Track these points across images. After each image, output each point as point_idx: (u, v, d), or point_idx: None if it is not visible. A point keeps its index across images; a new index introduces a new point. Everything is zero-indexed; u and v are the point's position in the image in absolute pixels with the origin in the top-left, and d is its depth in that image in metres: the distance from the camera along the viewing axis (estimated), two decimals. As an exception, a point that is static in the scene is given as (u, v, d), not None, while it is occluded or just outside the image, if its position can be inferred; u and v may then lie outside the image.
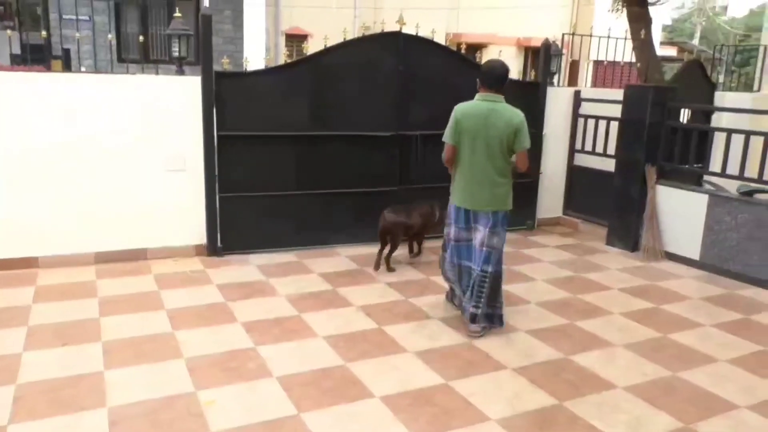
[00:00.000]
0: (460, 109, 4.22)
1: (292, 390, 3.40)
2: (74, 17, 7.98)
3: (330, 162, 6.02)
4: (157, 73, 5.87)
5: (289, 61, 5.87)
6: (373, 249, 6.08)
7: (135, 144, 5.36)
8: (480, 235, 4.17)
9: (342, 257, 5.86)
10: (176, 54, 5.47)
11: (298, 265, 5.57)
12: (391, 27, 6.10)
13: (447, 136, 4.27)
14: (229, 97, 5.54)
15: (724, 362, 3.91)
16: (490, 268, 4.13)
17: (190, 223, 5.66)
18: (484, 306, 4.15)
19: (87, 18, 8.66)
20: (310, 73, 5.82)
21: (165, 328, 4.15)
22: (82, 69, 7.46)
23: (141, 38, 6.54)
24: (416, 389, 3.44)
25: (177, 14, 5.51)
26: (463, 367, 3.72)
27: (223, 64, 5.55)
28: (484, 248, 4.13)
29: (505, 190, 4.19)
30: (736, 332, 4.37)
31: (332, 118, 5.97)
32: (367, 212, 6.23)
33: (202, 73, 5.36)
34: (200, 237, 5.74)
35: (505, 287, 5.10)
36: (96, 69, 7.24)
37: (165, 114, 5.41)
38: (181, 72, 5.52)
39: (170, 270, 5.32)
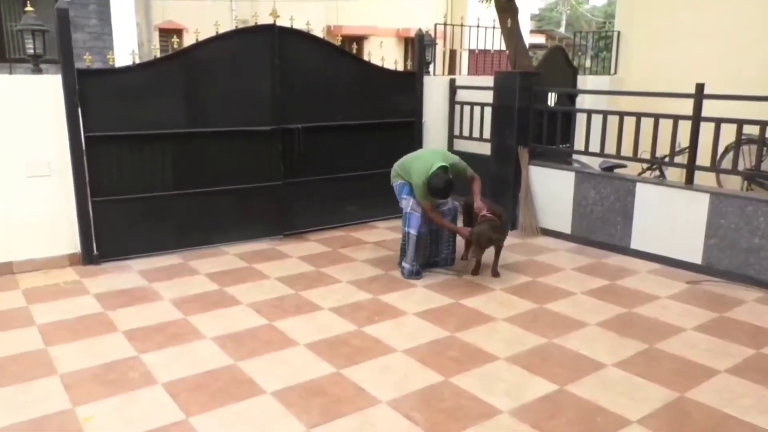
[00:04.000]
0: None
1: (178, 396, 3.29)
2: None
3: (210, 159, 5.85)
4: (11, 72, 5.43)
5: (159, 56, 5.63)
6: (260, 245, 6.02)
7: (-11, 150, 4.94)
8: None
9: (229, 256, 5.73)
10: (31, 51, 5.08)
11: (183, 267, 5.39)
12: (267, 20, 6.00)
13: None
14: (95, 96, 5.23)
15: (593, 326, 4.23)
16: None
17: (61, 231, 5.31)
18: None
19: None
20: (183, 69, 5.62)
21: (36, 345, 3.88)
22: None
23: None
24: (307, 381, 3.45)
25: (28, 8, 5.12)
26: (354, 354, 3.77)
27: (86, 60, 5.23)
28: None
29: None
30: (603, 297, 4.74)
31: (209, 114, 5.81)
32: (252, 208, 6.15)
33: (62, 71, 5.03)
34: (74, 245, 5.40)
35: (392, 273, 5.25)
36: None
37: (22, 116, 5.01)
38: (38, 71, 5.14)
39: (40, 283, 4.96)
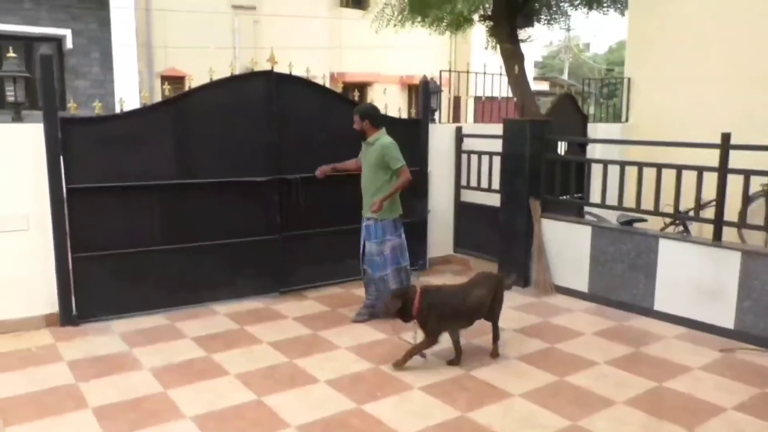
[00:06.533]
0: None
1: (146, 494, 2.84)
2: None
3: (201, 212, 5.49)
4: (-8, 120, 5.13)
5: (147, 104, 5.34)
6: (254, 303, 5.60)
7: (-39, 203, 4.59)
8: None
9: (220, 316, 5.31)
10: (12, 99, 4.79)
11: (168, 330, 4.96)
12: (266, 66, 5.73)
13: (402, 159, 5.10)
14: (79, 146, 4.92)
15: (621, 404, 3.75)
16: None
17: (39, 289, 4.92)
18: None
19: None
20: (173, 117, 5.32)
21: (-9, 427, 3.44)
22: None
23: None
24: (297, 475, 2.99)
25: (11, 54, 4.85)
26: (351, 439, 3.31)
27: (70, 108, 4.93)
28: None
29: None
30: (629, 368, 4.26)
31: (201, 165, 5.47)
32: (246, 264, 5.76)
33: (45, 120, 4.73)
34: (51, 305, 4.99)
35: (395, 339, 4.79)
36: None
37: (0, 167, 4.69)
38: (18, 119, 4.84)
39: (10, 347, 4.54)
